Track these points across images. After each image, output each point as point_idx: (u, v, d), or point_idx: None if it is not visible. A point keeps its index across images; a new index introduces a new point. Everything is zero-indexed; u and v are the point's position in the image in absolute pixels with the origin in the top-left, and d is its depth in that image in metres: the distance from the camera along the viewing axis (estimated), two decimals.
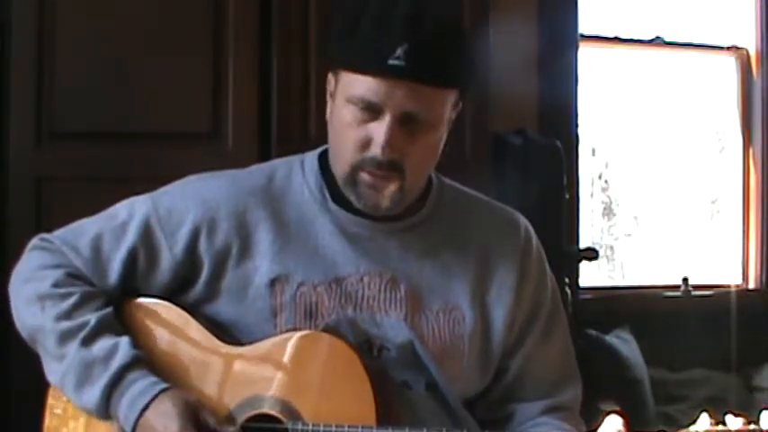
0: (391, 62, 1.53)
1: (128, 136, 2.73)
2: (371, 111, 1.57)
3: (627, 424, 1.51)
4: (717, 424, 1.42)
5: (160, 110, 2.74)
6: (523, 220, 1.77)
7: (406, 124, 1.57)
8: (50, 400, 1.71)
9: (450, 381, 1.65)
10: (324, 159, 1.71)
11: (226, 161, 1.89)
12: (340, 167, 1.64)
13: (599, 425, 1.52)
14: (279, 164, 1.75)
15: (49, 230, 1.78)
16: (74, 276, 1.68)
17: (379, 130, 1.57)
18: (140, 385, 1.59)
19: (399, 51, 1.53)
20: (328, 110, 1.66)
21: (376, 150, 1.58)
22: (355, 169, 1.61)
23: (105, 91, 2.70)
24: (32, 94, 2.66)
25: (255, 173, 1.74)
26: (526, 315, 1.72)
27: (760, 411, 1.41)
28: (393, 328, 1.65)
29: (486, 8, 3.11)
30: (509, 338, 1.71)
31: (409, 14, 1.55)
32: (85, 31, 2.69)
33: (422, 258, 1.69)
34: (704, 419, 1.43)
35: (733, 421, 1.41)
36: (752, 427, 1.40)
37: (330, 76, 1.65)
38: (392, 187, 1.61)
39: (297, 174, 1.71)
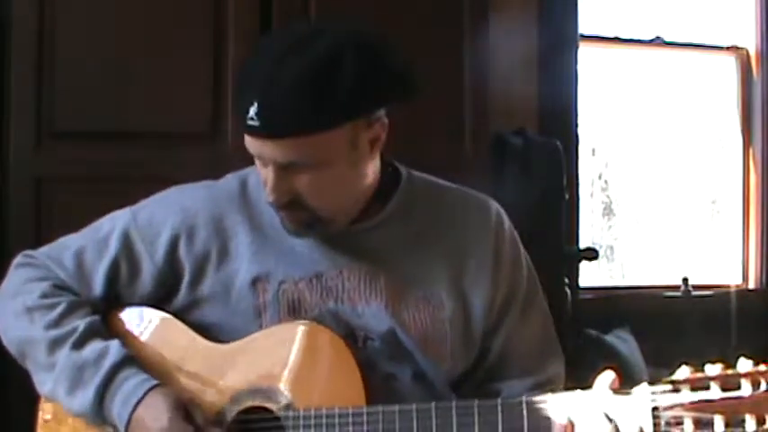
0: (248, 122, 1.55)
1: (128, 136, 2.73)
2: (257, 157, 1.62)
3: (620, 379, 1.52)
4: (696, 372, 1.44)
5: (160, 110, 2.74)
6: (494, 204, 1.80)
7: (287, 169, 1.59)
8: (41, 413, 1.73)
9: (435, 365, 1.67)
10: None
11: (226, 161, 1.89)
12: None
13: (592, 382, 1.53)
14: (251, 171, 1.76)
15: (49, 230, 1.78)
16: (60, 287, 1.71)
17: (268, 175, 1.61)
18: (132, 383, 1.61)
19: (252, 111, 1.54)
20: None
21: (267, 195, 1.62)
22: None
23: (105, 91, 2.70)
24: (32, 94, 2.66)
25: (230, 181, 1.78)
26: (504, 295, 1.74)
27: (738, 357, 1.43)
28: (375, 317, 1.67)
29: (486, 8, 3.11)
30: (489, 319, 1.73)
31: (261, 71, 1.56)
32: (85, 31, 2.70)
33: (398, 250, 1.71)
34: (684, 369, 1.45)
35: (712, 368, 1.43)
36: (730, 372, 1.42)
37: None
38: (305, 219, 1.64)
39: None
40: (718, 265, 4.29)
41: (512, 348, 1.75)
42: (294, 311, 1.67)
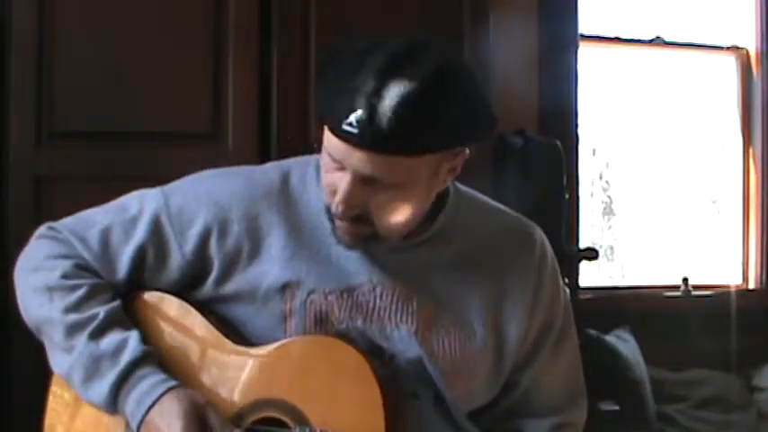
0: (345, 127, 1.47)
1: (128, 136, 2.73)
2: (338, 162, 1.54)
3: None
4: None
5: (160, 110, 2.74)
6: (539, 234, 1.73)
7: (367, 182, 1.52)
8: (51, 395, 1.71)
9: (458, 396, 1.63)
10: None
11: (226, 161, 1.89)
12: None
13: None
14: (294, 165, 1.71)
15: None
16: (82, 268, 1.66)
17: (342, 183, 1.53)
18: (148, 382, 1.58)
19: (353, 118, 1.46)
20: None
21: (336, 204, 1.55)
22: (329, 211, 1.59)
23: (105, 91, 2.70)
24: (32, 94, 2.66)
25: (271, 174, 1.70)
26: (538, 331, 1.69)
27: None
28: (403, 342, 1.63)
29: (486, 8, 3.11)
30: (520, 354, 1.68)
31: (372, 79, 1.47)
32: (85, 31, 2.69)
33: (435, 272, 1.66)
34: None
35: None
36: None
37: None
38: (363, 234, 1.58)
39: (312, 179, 1.68)
40: (718, 265, 4.28)
41: (539, 385, 1.71)
42: (320, 323, 1.62)
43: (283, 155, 1.79)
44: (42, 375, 1.70)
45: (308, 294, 1.63)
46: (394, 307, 1.63)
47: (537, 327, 1.69)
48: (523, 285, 1.68)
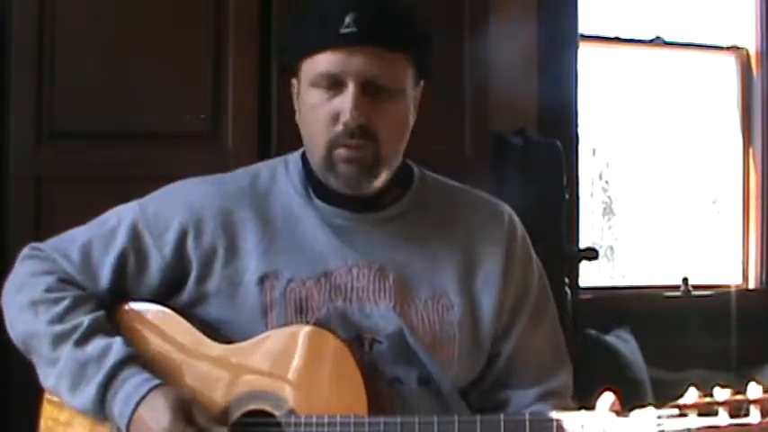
0: (343, 31, 1.60)
1: (128, 136, 2.73)
2: (335, 85, 1.62)
3: (620, 400, 1.52)
4: (705, 396, 1.43)
5: (160, 110, 2.74)
6: (507, 208, 1.80)
7: (368, 92, 1.62)
8: (45, 412, 1.73)
9: (441, 368, 1.67)
10: (306, 158, 1.74)
11: (226, 161, 1.90)
12: (317, 153, 1.67)
13: (594, 403, 1.53)
14: (263, 166, 1.79)
15: (49, 230, 1.78)
16: (65, 281, 1.70)
17: (346, 99, 1.61)
18: (134, 382, 1.61)
19: (348, 20, 1.60)
20: (297, 112, 1.72)
21: (345, 118, 1.62)
22: (331, 147, 1.64)
23: (105, 91, 2.70)
24: (32, 94, 2.66)
25: (240, 175, 1.78)
26: (514, 300, 1.74)
27: (747, 382, 1.43)
28: (383, 317, 1.67)
29: (486, 8, 3.11)
30: (498, 324, 1.73)
31: None
32: (85, 31, 2.69)
33: (408, 247, 1.71)
34: (692, 392, 1.44)
35: (720, 393, 1.42)
36: (738, 397, 1.41)
37: (293, 81, 1.72)
38: (368, 157, 1.64)
39: (281, 173, 1.75)
40: (718, 265, 4.28)
41: (521, 355, 1.74)
42: (301, 311, 1.66)
43: (284, 155, 1.80)
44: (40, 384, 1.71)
45: (288, 283, 1.68)
46: (371, 286, 1.68)
47: (512, 297, 1.74)
48: (494, 257, 1.73)
